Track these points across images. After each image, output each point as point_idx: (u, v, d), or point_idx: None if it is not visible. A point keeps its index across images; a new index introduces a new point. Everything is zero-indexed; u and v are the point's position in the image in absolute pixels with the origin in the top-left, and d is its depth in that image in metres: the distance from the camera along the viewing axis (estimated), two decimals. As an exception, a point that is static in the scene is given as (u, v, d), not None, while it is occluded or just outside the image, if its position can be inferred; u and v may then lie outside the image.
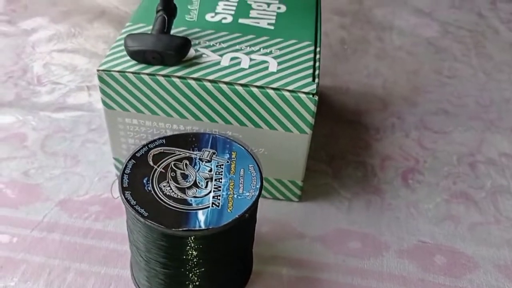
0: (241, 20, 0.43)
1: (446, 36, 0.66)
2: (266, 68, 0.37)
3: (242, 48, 0.39)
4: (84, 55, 0.58)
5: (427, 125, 0.52)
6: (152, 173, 0.31)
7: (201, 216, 0.29)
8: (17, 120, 0.49)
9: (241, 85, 0.36)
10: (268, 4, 0.45)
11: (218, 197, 0.30)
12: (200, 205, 0.30)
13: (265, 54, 0.39)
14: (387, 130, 0.51)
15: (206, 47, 0.39)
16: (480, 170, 0.47)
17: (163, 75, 0.36)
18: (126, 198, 0.29)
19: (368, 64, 0.60)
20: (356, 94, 0.55)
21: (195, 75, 0.36)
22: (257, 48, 0.39)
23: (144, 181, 0.31)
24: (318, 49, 0.40)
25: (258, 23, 0.43)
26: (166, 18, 0.37)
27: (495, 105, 0.55)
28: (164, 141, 0.34)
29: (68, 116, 0.50)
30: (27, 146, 0.46)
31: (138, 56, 0.36)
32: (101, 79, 0.36)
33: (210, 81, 0.36)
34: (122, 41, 0.38)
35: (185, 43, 0.36)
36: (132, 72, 0.36)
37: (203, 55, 0.38)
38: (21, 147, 0.46)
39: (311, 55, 0.39)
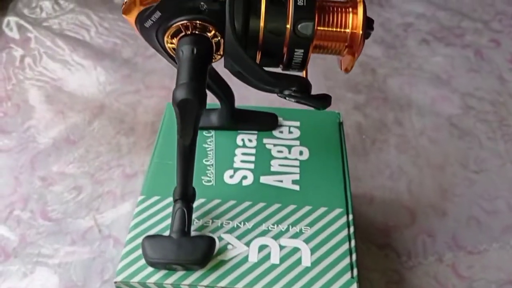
0: (263, 179, 0.39)
1: (468, 114, 0.63)
2: (299, 261, 0.34)
3: (269, 229, 0.35)
4: (88, 172, 0.54)
5: (460, 242, 0.49)
6: None
7: None
8: (24, 276, 0.45)
9: (275, 291, 0.32)
10: (289, 148, 0.41)
11: None
12: None
13: (296, 235, 0.35)
14: (419, 254, 0.48)
15: (230, 230, 0.35)
16: (522, 303, 0.44)
17: (188, 285, 0.32)
18: None
19: (390, 160, 0.57)
20: (382, 205, 0.52)
21: (223, 283, 0.32)
22: (285, 226, 0.36)
23: None
24: (351, 217, 0.37)
25: (282, 181, 0.39)
26: (186, 212, 0.34)
27: (529, 210, 0.52)
28: None
29: (79, 262, 0.46)
30: (38, 314, 0.43)
31: (159, 266, 0.32)
32: (119, 288, 0.33)
33: (240, 288, 0.32)
34: (136, 232, 0.35)
35: (209, 247, 0.33)
36: (154, 283, 0.33)
37: (229, 246, 0.34)
38: (32, 317, 0.43)
39: (345, 232, 0.35)
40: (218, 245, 0.34)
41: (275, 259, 0.34)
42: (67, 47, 0.70)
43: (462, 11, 0.79)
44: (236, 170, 0.40)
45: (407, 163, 0.57)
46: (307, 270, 0.33)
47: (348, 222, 0.36)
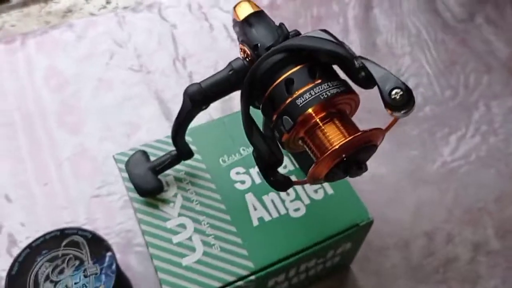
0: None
1: None
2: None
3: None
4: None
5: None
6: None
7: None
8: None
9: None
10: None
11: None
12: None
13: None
14: None
15: (188, 209, 0.42)
16: None
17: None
18: None
19: None
20: None
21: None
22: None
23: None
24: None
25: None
26: (170, 160, 0.42)
27: None
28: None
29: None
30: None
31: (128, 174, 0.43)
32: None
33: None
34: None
35: (154, 190, 0.42)
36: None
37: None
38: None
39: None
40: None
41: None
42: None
43: None
44: (247, 171, 0.45)
45: None
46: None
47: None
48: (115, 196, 0.54)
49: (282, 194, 0.43)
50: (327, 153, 0.30)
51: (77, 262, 0.42)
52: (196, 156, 0.44)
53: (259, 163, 0.34)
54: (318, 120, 0.31)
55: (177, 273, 0.39)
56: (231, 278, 0.39)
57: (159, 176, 0.43)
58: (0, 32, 0.71)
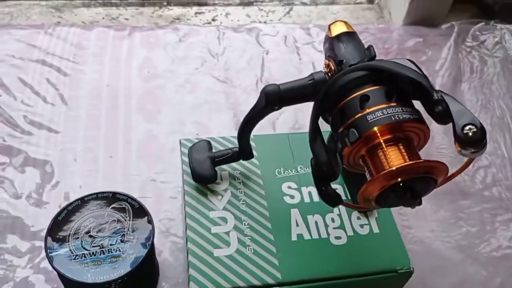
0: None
1: None
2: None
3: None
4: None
5: None
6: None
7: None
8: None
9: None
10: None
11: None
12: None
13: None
14: None
15: (233, 205, 0.44)
16: None
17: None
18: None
19: None
20: None
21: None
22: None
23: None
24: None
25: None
26: (230, 155, 0.44)
27: None
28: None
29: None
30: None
31: (189, 158, 0.45)
32: (178, 145, 0.48)
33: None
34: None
35: (208, 179, 0.44)
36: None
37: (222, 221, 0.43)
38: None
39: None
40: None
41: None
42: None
43: None
44: (299, 188, 0.45)
45: None
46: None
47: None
48: (169, 185, 0.56)
49: (327, 218, 0.43)
50: (383, 172, 0.31)
51: (118, 226, 0.44)
52: (254, 160, 0.46)
53: (315, 172, 0.35)
54: (382, 141, 0.32)
55: (206, 261, 0.40)
56: (256, 282, 0.39)
57: (216, 168, 0.45)
58: (114, 21, 0.78)
